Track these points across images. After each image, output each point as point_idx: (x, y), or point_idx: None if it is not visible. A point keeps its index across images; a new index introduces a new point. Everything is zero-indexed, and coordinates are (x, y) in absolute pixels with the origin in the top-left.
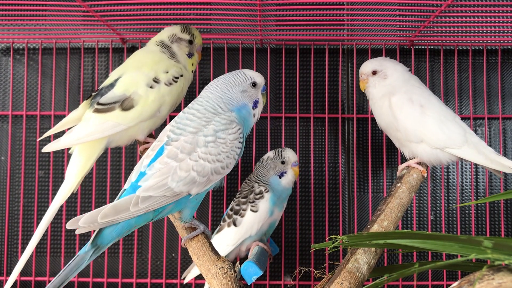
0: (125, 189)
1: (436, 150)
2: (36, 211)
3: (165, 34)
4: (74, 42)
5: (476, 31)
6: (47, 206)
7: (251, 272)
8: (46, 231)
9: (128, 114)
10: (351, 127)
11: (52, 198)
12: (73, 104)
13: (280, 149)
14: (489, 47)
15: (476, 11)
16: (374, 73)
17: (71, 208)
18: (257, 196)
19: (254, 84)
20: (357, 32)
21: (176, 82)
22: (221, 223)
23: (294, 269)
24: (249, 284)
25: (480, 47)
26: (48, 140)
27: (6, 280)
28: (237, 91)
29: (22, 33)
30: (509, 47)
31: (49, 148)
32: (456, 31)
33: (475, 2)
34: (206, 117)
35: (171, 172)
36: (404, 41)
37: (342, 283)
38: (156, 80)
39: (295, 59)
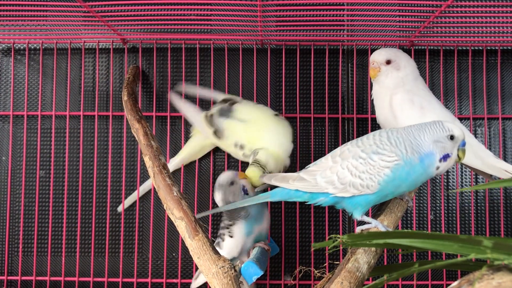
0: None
1: None
2: (37, 211)
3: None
4: (74, 42)
5: (476, 32)
6: (48, 206)
7: (252, 272)
8: (47, 230)
9: (214, 139)
10: (351, 127)
11: (53, 198)
12: (73, 104)
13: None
14: (488, 48)
15: (476, 12)
16: (388, 62)
17: (72, 208)
18: (230, 222)
19: (451, 137)
20: (357, 32)
21: (253, 159)
22: (217, 239)
23: (294, 269)
24: (249, 284)
25: (480, 48)
26: (49, 141)
27: (7, 280)
28: (429, 139)
29: (23, 34)
30: (509, 48)
31: (173, 96)
32: (456, 32)
33: (475, 3)
34: (381, 143)
35: (323, 168)
36: (404, 42)
37: (342, 282)
38: (241, 147)
39: (295, 59)
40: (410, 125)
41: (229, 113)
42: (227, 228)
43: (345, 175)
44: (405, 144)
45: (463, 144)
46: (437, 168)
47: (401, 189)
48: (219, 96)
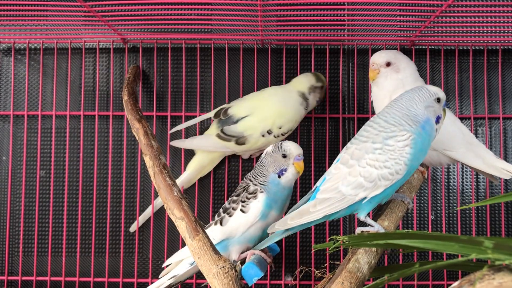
0: (312, 193)
1: (435, 151)
2: (37, 211)
3: (305, 85)
4: (75, 42)
5: (477, 31)
6: (48, 206)
7: (252, 273)
8: (48, 230)
9: (239, 147)
10: (351, 127)
11: (54, 198)
12: (74, 104)
13: (280, 142)
14: (489, 47)
15: (476, 11)
16: (388, 64)
17: (72, 208)
18: (249, 196)
19: (438, 100)
20: (357, 32)
21: (283, 135)
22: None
23: (294, 269)
24: (250, 285)
25: (481, 47)
26: (49, 141)
27: (7, 280)
28: (422, 107)
29: (23, 33)
30: (510, 47)
31: (175, 143)
32: (457, 31)
33: (475, 2)
34: (385, 128)
35: (342, 177)
36: (405, 41)
37: (343, 282)
38: (269, 132)
39: (296, 59)
40: (396, 100)
41: (231, 119)
42: (243, 201)
43: (370, 172)
44: (405, 119)
45: (445, 104)
46: (436, 130)
47: (420, 161)
48: (209, 114)
